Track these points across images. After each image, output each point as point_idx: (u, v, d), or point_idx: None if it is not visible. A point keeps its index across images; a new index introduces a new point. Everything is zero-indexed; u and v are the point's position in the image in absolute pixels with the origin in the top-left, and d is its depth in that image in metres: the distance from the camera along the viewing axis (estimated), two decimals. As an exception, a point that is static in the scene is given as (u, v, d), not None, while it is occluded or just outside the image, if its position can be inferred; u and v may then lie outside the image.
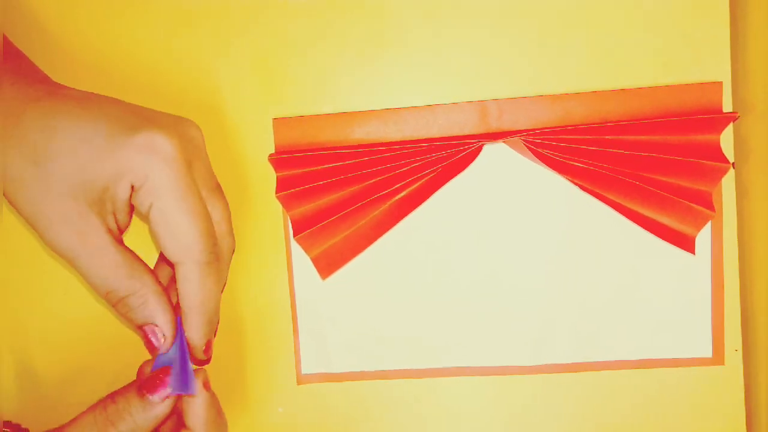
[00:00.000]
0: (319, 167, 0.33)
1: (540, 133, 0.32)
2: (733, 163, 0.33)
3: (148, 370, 0.30)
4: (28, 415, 0.36)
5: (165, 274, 0.32)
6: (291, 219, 0.34)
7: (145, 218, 0.28)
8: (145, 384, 0.29)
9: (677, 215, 0.32)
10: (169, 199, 0.28)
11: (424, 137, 0.33)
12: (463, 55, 0.33)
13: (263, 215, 0.35)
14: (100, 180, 0.27)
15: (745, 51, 0.32)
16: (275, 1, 0.34)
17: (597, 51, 0.33)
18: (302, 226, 0.33)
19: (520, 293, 0.34)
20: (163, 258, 0.32)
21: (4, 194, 0.27)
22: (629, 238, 0.33)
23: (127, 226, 0.29)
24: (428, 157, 0.32)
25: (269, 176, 0.34)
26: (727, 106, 0.32)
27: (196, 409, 0.29)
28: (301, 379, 0.35)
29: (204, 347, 0.30)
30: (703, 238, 0.33)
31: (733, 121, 0.32)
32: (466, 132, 0.33)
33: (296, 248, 0.34)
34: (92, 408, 0.29)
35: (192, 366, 0.30)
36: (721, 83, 0.32)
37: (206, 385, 0.30)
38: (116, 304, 0.28)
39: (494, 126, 0.33)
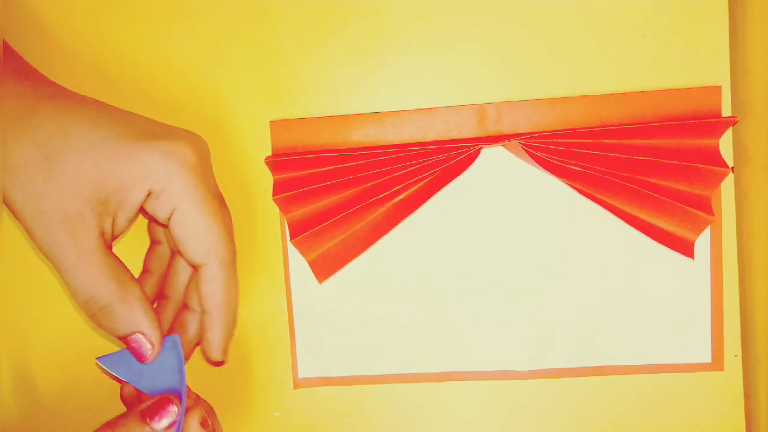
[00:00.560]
0: (317, 170, 0.33)
1: (538, 137, 0.31)
2: (732, 168, 0.32)
3: (128, 390, 0.30)
4: (27, 426, 0.36)
5: (149, 286, 0.32)
6: (288, 222, 0.34)
7: (164, 222, 0.29)
8: (148, 410, 0.28)
9: (676, 220, 0.32)
10: (192, 204, 0.28)
11: (421, 140, 0.33)
12: (461, 58, 0.33)
13: (260, 218, 0.34)
14: (114, 180, 0.27)
15: (744, 55, 0.32)
16: (273, 4, 0.34)
17: (596, 54, 0.33)
18: (299, 229, 0.33)
19: (519, 297, 0.34)
20: (147, 270, 0.32)
21: (4, 185, 0.27)
22: (628, 242, 0.33)
23: (122, 233, 0.29)
24: (426, 161, 0.32)
25: (266, 179, 0.34)
26: (726, 110, 0.32)
27: None
28: (298, 383, 0.35)
29: (223, 348, 0.30)
30: (702, 242, 0.33)
31: (732, 125, 0.32)
32: (464, 135, 0.33)
33: (293, 251, 0.34)
34: None
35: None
36: (720, 87, 0.32)
37: (204, 424, 0.29)
38: (97, 312, 0.28)
39: (492, 129, 0.33)
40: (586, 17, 0.32)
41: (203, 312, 0.30)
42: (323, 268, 0.34)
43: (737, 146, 0.33)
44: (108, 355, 0.29)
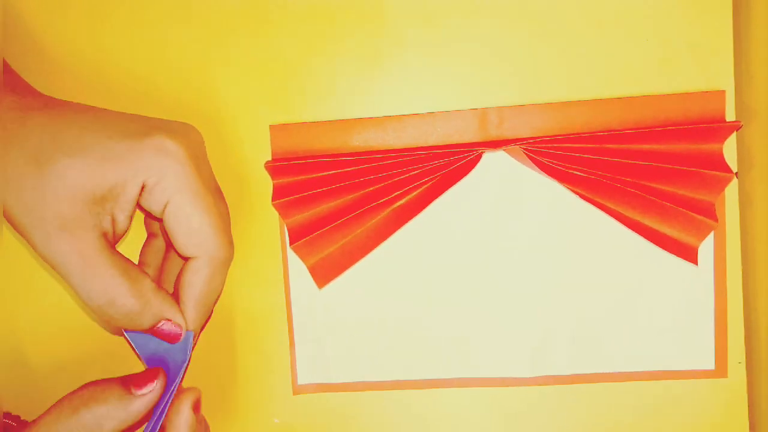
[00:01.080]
0: (317, 175, 0.33)
1: (540, 142, 0.31)
2: (736, 173, 0.32)
3: None
4: (22, 406, 0.35)
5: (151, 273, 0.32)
6: (287, 227, 0.33)
7: (158, 217, 0.29)
8: (132, 378, 0.28)
9: (679, 225, 0.32)
10: (185, 198, 0.28)
11: (422, 145, 0.33)
12: (462, 62, 0.33)
13: (259, 223, 0.34)
14: (107, 179, 0.27)
15: (748, 59, 0.32)
16: (272, 7, 0.33)
17: (599, 58, 0.32)
18: (299, 234, 0.33)
19: (520, 303, 0.33)
20: (143, 262, 0.32)
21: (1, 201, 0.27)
22: (630, 248, 0.33)
23: (124, 232, 0.29)
24: (427, 165, 0.32)
25: (266, 184, 0.34)
26: (730, 115, 0.32)
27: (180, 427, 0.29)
28: (298, 390, 0.35)
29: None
30: (706, 248, 0.32)
31: (736, 130, 0.32)
32: (466, 140, 0.33)
33: (293, 257, 0.34)
34: (69, 394, 0.28)
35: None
36: (723, 92, 0.32)
37: (196, 408, 0.29)
38: (115, 314, 0.28)
39: (494, 134, 0.33)
40: (589, 21, 0.32)
41: (179, 302, 0.30)
42: (323, 274, 0.33)
43: (741, 151, 0.32)
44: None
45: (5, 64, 0.32)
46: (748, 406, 0.33)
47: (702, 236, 0.32)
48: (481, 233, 0.33)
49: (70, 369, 0.35)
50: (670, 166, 0.31)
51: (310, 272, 0.33)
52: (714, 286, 0.33)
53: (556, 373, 0.34)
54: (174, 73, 0.34)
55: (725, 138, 0.31)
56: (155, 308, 0.29)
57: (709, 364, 0.33)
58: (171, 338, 0.29)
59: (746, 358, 0.33)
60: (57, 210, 0.27)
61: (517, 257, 0.33)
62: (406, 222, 0.33)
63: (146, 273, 0.29)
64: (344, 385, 0.34)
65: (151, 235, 0.33)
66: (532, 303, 0.33)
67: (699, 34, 0.32)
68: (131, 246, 0.33)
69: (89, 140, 0.27)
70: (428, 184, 0.32)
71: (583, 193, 0.32)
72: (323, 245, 0.33)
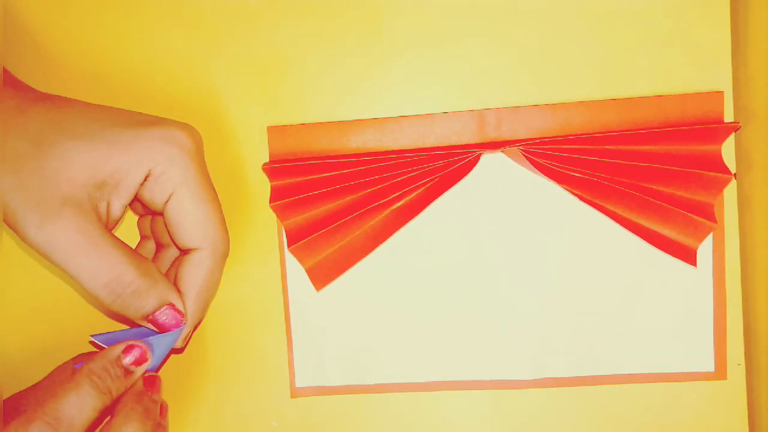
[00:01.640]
0: (315, 176, 0.33)
1: (539, 143, 0.31)
2: (734, 174, 0.32)
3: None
4: None
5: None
6: (285, 229, 0.33)
7: (159, 207, 0.28)
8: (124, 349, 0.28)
9: (678, 227, 0.31)
10: (191, 189, 0.28)
11: (421, 146, 0.33)
12: (460, 64, 0.33)
13: (257, 225, 0.34)
14: (112, 162, 0.27)
15: (747, 60, 0.32)
16: (271, 8, 0.33)
17: (597, 60, 0.32)
18: (297, 236, 0.33)
19: (519, 305, 0.33)
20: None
21: None
22: (629, 249, 0.33)
23: (116, 222, 0.29)
24: (425, 167, 0.32)
25: (263, 185, 0.34)
26: (729, 116, 0.32)
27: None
28: (295, 393, 0.34)
29: (185, 335, 0.30)
30: (705, 250, 0.32)
31: (735, 131, 0.32)
32: (464, 141, 0.33)
33: (290, 259, 0.34)
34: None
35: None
36: (722, 93, 0.32)
37: (162, 412, 0.29)
38: (122, 292, 0.27)
39: (492, 135, 0.33)
40: (588, 23, 0.32)
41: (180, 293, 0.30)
42: (321, 276, 0.33)
43: (740, 152, 0.32)
44: (103, 334, 0.29)
45: (4, 70, 0.32)
46: (748, 408, 0.33)
47: (701, 237, 0.32)
48: (480, 235, 0.33)
49: (41, 356, 0.35)
50: (669, 168, 0.31)
51: (308, 274, 0.33)
52: (713, 287, 0.33)
53: (555, 375, 0.33)
54: (172, 75, 0.34)
55: (724, 139, 0.31)
56: (161, 290, 0.28)
57: (709, 366, 0.33)
58: (168, 327, 0.29)
59: (746, 360, 0.33)
60: (57, 190, 0.26)
61: (516, 259, 0.33)
62: (405, 224, 0.33)
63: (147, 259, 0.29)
64: (342, 388, 0.34)
65: (144, 238, 0.33)
66: (531, 305, 0.33)
67: (697, 36, 0.32)
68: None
69: (95, 127, 0.27)
70: (426, 186, 0.32)
71: (582, 194, 0.32)
72: (321, 247, 0.33)
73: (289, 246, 0.33)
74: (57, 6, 0.34)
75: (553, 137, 0.31)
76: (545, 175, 0.32)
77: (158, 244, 0.32)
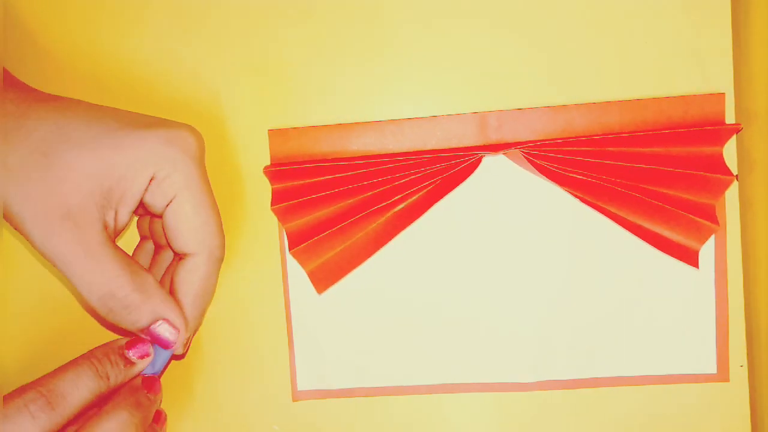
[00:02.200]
0: (316, 179, 0.32)
1: (540, 145, 0.31)
2: (736, 176, 0.32)
3: None
4: None
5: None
6: (286, 232, 0.33)
7: (159, 210, 0.28)
8: (128, 342, 0.29)
9: (680, 228, 0.31)
10: (192, 194, 0.28)
11: (422, 149, 0.33)
12: (462, 66, 0.33)
13: (258, 228, 0.34)
14: (118, 169, 0.27)
15: (748, 62, 0.32)
16: (272, 11, 0.33)
17: (598, 62, 0.32)
18: (298, 239, 0.33)
19: (520, 308, 0.33)
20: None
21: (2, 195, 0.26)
22: (631, 251, 0.33)
23: (123, 228, 0.29)
24: (427, 169, 0.32)
25: (264, 188, 0.34)
26: (730, 118, 0.32)
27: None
28: (297, 396, 0.34)
29: (184, 341, 0.30)
30: (707, 251, 0.32)
31: (736, 133, 0.32)
32: (465, 144, 0.33)
33: (292, 262, 0.34)
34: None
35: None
36: (723, 95, 0.32)
37: (157, 419, 0.30)
38: (115, 306, 0.27)
39: (494, 138, 0.32)
40: (589, 25, 0.32)
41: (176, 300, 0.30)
42: (322, 279, 0.33)
43: (741, 154, 0.32)
44: None
45: (4, 70, 0.32)
46: (750, 410, 0.33)
47: (703, 239, 0.32)
48: (482, 237, 0.33)
49: (36, 368, 0.34)
50: (671, 169, 0.31)
51: (309, 277, 0.33)
52: (715, 289, 0.33)
53: (557, 378, 0.33)
54: (173, 78, 0.34)
55: (725, 141, 0.31)
56: (155, 304, 0.28)
57: (711, 368, 0.33)
58: (165, 343, 0.29)
59: (748, 361, 0.33)
60: (62, 201, 0.26)
61: (518, 261, 0.33)
62: (406, 227, 0.33)
63: (148, 271, 0.29)
64: (344, 391, 0.34)
65: (143, 238, 0.33)
66: (533, 307, 0.33)
67: (698, 37, 0.32)
68: (125, 248, 0.33)
69: (97, 131, 0.27)
70: (428, 189, 0.32)
71: (584, 196, 0.32)
72: (322, 250, 0.33)
73: (290, 249, 0.33)
74: (57, 6, 0.34)
75: (554, 139, 0.31)
76: (547, 177, 0.31)
77: (156, 245, 0.32)
